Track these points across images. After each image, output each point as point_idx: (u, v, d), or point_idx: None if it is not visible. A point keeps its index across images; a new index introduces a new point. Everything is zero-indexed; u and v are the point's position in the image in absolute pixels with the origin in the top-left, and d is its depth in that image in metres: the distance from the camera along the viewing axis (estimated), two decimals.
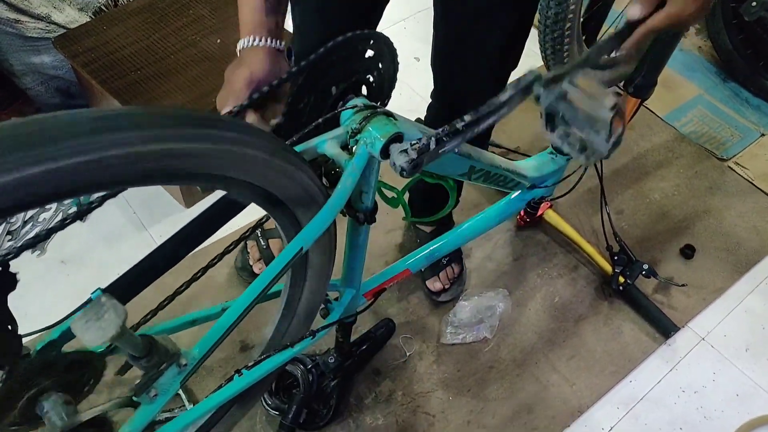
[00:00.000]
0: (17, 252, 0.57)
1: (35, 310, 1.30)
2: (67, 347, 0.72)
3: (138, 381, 0.67)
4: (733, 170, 1.74)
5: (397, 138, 0.73)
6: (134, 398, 0.65)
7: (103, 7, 1.63)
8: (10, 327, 0.61)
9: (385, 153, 0.73)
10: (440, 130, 0.70)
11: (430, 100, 1.24)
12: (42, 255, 1.43)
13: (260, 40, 0.76)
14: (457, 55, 1.10)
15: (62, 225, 0.63)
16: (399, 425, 1.21)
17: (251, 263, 1.38)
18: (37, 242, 0.60)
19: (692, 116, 1.87)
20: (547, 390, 1.29)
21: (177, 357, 0.63)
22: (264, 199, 0.68)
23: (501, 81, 1.12)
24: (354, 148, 0.73)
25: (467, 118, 0.70)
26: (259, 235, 1.39)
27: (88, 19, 1.59)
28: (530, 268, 1.48)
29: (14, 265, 0.56)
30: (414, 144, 0.70)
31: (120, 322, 0.48)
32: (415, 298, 1.40)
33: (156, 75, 1.46)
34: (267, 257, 1.37)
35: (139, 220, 1.50)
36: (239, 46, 0.79)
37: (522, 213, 1.49)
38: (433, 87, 1.20)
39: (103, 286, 0.71)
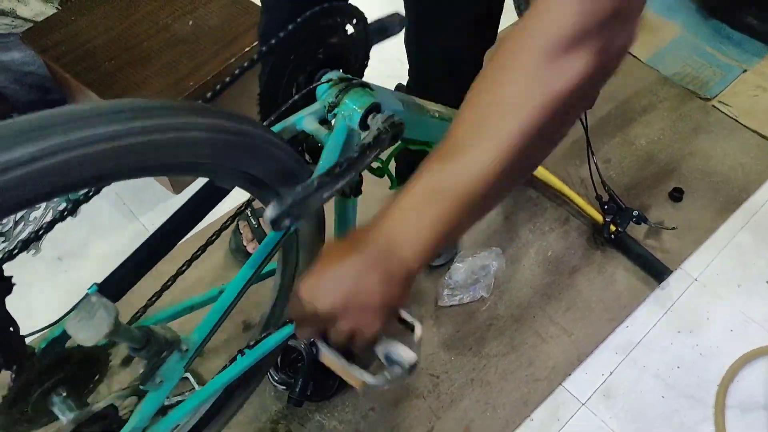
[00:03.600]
0: (11, 255, 0.58)
1: (38, 308, 1.31)
2: (71, 343, 0.73)
3: (142, 370, 0.69)
4: (717, 109, 1.74)
5: (375, 108, 0.73)
6: (141, 387, 0.66)
7: None
8: (12, 329, 0.62)
9: (364, 124, 0.73)
10: (315, 178, 0.62)
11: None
12: (38, 254, 1.44)
13: None
14: (428, 35, 1.06)
15: (53, 223, 0.64)
16: (404, 388, 1.24)
17: (245, 243, 1.39)
18: (31, 242, 0.61)
19: (674, 58, 1.86)
20: (546, 342, 1.32)
21: (177, 344, 0.64)
22: (247, 181, 0.69)
23: (478, 61, 1.08)
24: (333, 122, 0.73)
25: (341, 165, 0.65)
26: (249, 214, 1.39)
27: (55, 11, 1.55)
28: (522, 225, 1.49)
29: (12, 267, 0.57)
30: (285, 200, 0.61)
31: (112, 320, 0.49)
32: None
33: (130, 63, 1.44)
34: (260, 236, 1.37)
35: (130, 210, 1.50)
36: None
37: None
38: None
39: (101, 278, 0.72)
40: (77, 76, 1.39)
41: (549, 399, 1.26)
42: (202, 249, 0.74)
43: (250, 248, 1.38)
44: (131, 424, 0.69)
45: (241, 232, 1.40)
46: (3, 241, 1.38)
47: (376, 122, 0.71)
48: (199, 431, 1.01)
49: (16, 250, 0.61)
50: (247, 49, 1.47)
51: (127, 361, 0.63)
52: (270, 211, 0.58)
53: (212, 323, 0.68)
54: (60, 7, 1.57)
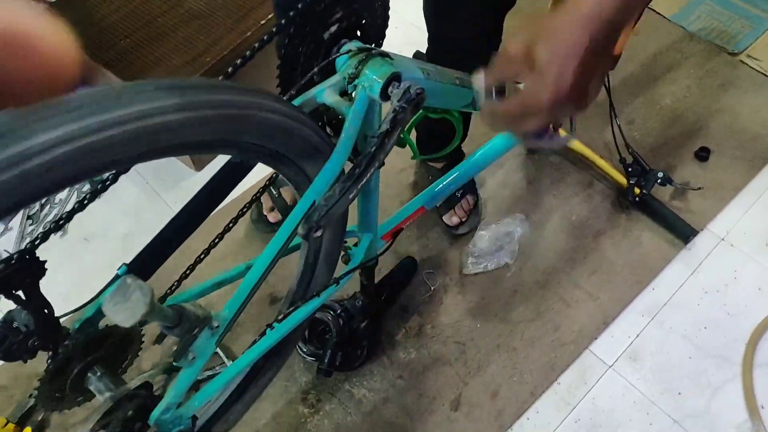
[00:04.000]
0: (45, 237, 0.59)
1: (67, 289, 1.34)
2: (104, 323, 0.75)
3: (175, 347, 0.70)
4: (746, 63, 1.68)
5: (395, 77, 0.72)
6: (174, 363, 0.68)
7: None
8: (46, 311, 0.64)
9: (385, 94, 0.72)
10: (336, 185, 0.65)
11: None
12: (64, 236, 1.46)
13: None
14: (442, 19, 1.04)
15: (85, 202, 0.65)
16: (431, 356, 1.25)
17: (265, 213, 1.39)
18: (61, 225, 0.62)
19: (700, 12, 1.80)
20: (572, 307, 1.32)
21: (208, 320, 0.65)
22: (270, 157, 0.69)
23: (498, 23, 1.05)
24: (353, 94, 0.72)
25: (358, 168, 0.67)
26: (270, 183, 1.39)
27: None
28: (545, 190, 1.47)
29: (40, 249, 0.58)
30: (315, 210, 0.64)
31: (147, 301, 0.50)
32: (434, 233, 1.41)
33: (146, 40, 1.43)
34: (280, 206, 1.38)
35: (153, 189, 1.51)
36: None
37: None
38: None
39: (128, 258, 0.73)
40: (94, 56, 1.39)
41: (575, 363, 1.26)
42: (234, 221, 0.75)
43: (271, 217, 1.38)
44: (166, 400, 0.70)
45: (262, 202, 1.40)
46: (31, 224, 1.40)
47: (396, 94, 0.70)
48: (230, 405, 1.03)
49: (49, 232, 0.62)
50: (262, 21, 1.46)
51: (159, 339, 0.64)
52: (300, 230, 0.63)
53: (242, 299, 0.69)
54: None
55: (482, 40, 1.05)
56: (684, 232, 1.40)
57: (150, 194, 1.51)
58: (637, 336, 1.30)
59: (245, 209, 0.84)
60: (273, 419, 1.19)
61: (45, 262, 0.59)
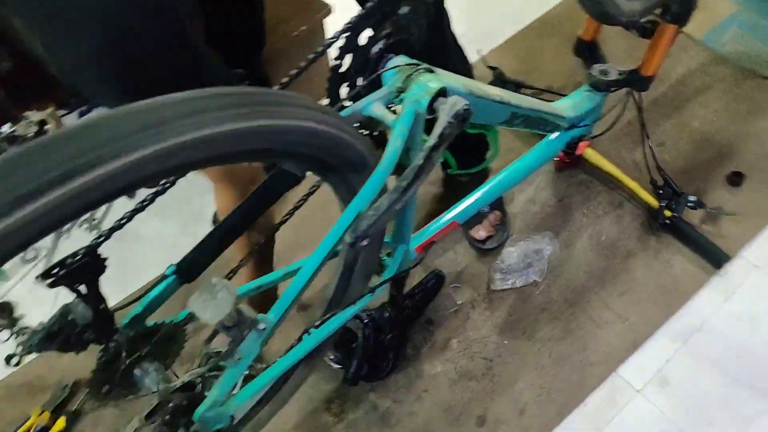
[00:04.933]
0: (108, 236, 0.61)
1: (107, 288, 1.36)
2: (150, 320, 0.77)
3: (215, 348, 0.72)
4: None
5: (442, 93, 0.74)
6: (221, 363, 0.69)
7: None
8: (102, 306, 0.66)
9: (431, 109, 0.74)
10: (384, 197, 0.68)
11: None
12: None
13: None
14: None
15: (143, 205, 0.67)
16: (458, 371, 1.25)
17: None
18: (123, 225, 0.64)
19: (730, 35, 1.80)
20: (601, 327, 1.31)
21: (256, 322, 0.67)
22: (320, 168, 0.71)
23: None
24: (399, 108, 0.74)
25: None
26: None
27: None
28: (574, 208, 1.47)
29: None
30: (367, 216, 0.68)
31: (233, 300, 0.54)
32: (461, 248, 1.42)
33: None
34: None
35: (185, 193, 1.54)
36: None
37: (561, 153, 1.48)
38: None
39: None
40: None
41: (604, 385, 1.25)
42: (290, 213, 0.76)
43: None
44: (211, 398, 0.72)
45: None
46: (86, 228, 1.43)
47: (444, 109, 0.72)
48: (260, 408, 1.04)
49: (112, 230, 0.65)
50: (294, 33, 1.48)
51: (210, 339, 0.66)
52: (348, 238, 0.67)
53: (288, 303, 0.71)
54: None
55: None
56: (716, 258, 1.39)
57: (179, 199, 1.53)
58: (667, 361, 1.28)
59: (302, 202, 0.86)
60: (297, 426, 1.20)
61: (106, 259, 0.62)
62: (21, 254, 1.13)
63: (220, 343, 0.67)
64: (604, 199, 1.49)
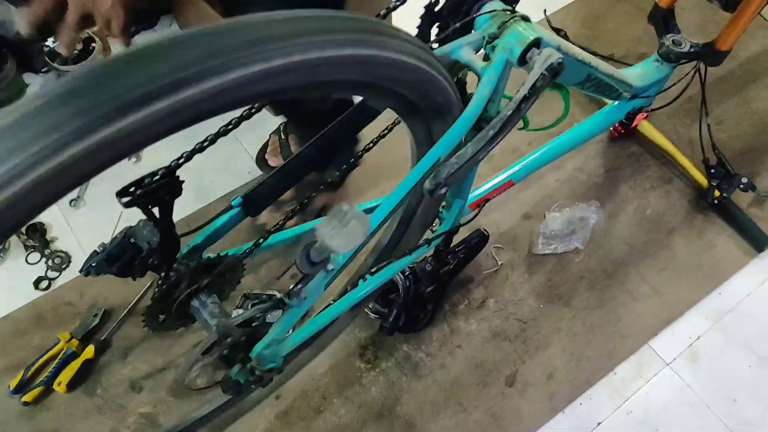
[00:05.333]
0: (188, 158, 0.59)
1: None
2: (207, 252, 0.76)
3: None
4: None
5: (536, 44, 0.70)
6: (287, 301, 0.68)
7: None
8: (170, 232, 0.64)
9: (522, 60, 0.71)
10: (469, 146, 0.66)
11: None
12: (138, 162, 1.47)
13: None
14: None
15: (218, 135, 0.65)
16: (492, 330, 1.26)
17: (267, 157, 1.38)
18: (204, 147, 0.62)
19: None
20: (637, 300, 1.31)
21: (326, 262, 0.66)
22: (403, 106, 0.68)
23: None
24: (491, 55, 0.71)
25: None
26: (282, 129, 1.37)
27: None
28: (622, 180, 1.45)
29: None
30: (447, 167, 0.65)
31: (366, 231, 0.51)
32: (507, 209, 1.40)
33: None
34: (285, 152, 1.35)
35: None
36: None
37: (616, 124, 1.44)
38: None
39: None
40: None
41: (634, 356, 1.25)
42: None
43: (271, 161, 1.37)
44: (270, 336, 0.72)
45: (269, 143, 1.38)
46: (135, 162, 1.40)
47: (536, 61, 0.69)
48: (302, 349, 1.05)
49: (193, 153, 0.63)
50: None
51: (281, 275, 0.65)
52: (428, 185, 0.64)
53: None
54: None
55: None
56: (760, 241, 1.37)
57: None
58: (699, 338, 1.28)
59: (372, 144, 0.83)
60: (330, 369, 1.21)
61: (183, 182, 0.60)
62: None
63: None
64: (653, 174, 1.46)
